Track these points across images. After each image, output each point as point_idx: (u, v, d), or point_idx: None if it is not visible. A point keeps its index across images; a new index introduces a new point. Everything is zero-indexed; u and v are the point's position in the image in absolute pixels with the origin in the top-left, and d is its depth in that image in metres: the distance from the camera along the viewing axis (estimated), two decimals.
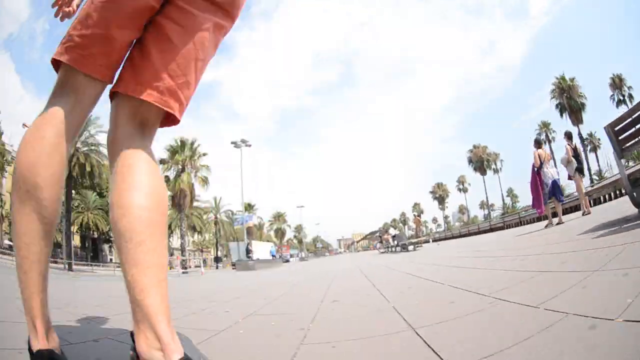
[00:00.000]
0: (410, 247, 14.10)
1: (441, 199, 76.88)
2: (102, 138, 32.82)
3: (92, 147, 30.59)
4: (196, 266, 58.88)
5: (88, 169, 29.34)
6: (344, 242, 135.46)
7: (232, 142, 30.86)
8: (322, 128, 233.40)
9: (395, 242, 15.92)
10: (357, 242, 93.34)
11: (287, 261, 38.55)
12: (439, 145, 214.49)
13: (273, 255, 36.78)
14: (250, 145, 31.63)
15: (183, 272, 21.31)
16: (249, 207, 59.89)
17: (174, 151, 33.20)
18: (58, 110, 0.98)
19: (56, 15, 1.15)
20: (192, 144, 33.80)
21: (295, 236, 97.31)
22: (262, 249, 34.19)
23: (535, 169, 7.80)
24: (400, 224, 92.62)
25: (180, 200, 32.14)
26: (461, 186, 72.31)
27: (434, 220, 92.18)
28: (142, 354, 0.85)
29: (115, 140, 1.03)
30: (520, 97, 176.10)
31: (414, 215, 63.00)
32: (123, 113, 1.04)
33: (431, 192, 77.84)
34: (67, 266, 27.45)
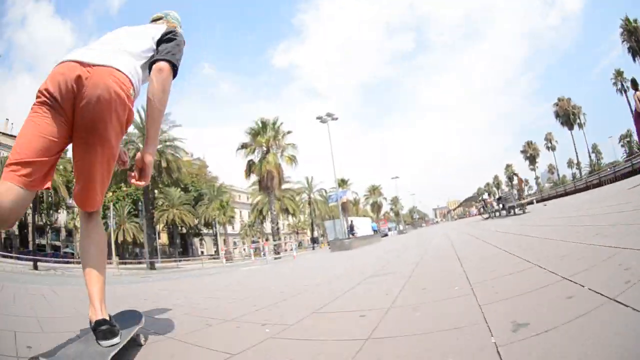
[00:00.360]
0: (518, 210, 13.26)
1: (532, 158, 72.08)
2: (175, 132, 33.61)
3: (167, 143, 31.16)
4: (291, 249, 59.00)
5: (164, 164, 29.73)
6: (440, 211, 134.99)
7: (318, 117, 28.96)
8: (405, 96, 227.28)
9: (501, 205, 15.31)
10: (454, 209, 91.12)
11: (386, 235, 36.52)
12: (521, 103, 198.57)
13: (375, 230, 35.23)
14: (337, 119, 29.36)
15: (275, 258, 20.88)
16: (342, 183, 58.08)
17: (255, 133, 32.24)
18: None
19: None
20: (274, 123, 32.49)
21: (391, 209, 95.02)
22: (362, 225, 33.08)
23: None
24: (494, 188, 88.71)
25: (267, 182, 31.22)
26: (549, 144, 68.20)
27: (526, 181, 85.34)
28: (90, 318, 1.53)
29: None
30: (591, 46, 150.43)
31: (514, 174, 57.35)
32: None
33: (522, 152, 72.33)
34: (149, 265, 28.83)
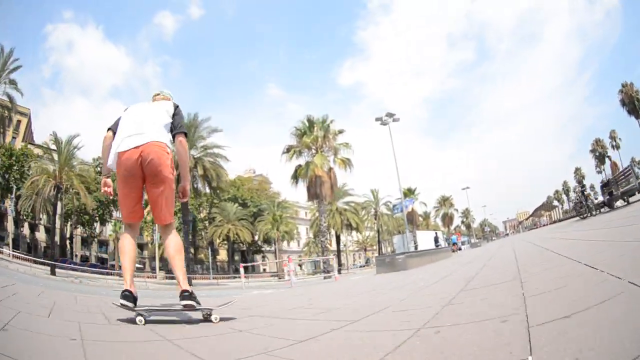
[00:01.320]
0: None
1: (601, 158, 67.15)
2: (216, 138, 30.65)
3: (207, 151, 28.65)
4: (361, 266, 53.90)
5: (200, 172, 26.92)
6: (509, 224, 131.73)
7: (377, 119, 25.05)
8: (470, 108, 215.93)
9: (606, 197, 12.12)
10: (525, 219, 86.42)
11: (459, 249, 32.24)
12: (580, 106, 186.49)
13: (437, 243, 30.42)
14: (398, 120, 25.15)
15: (325, 277, 20.00)
16: (408, 192, 51.55)
17: (302, 133, 27.97)
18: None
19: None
20: (324, 121, 27.92)
21: (462, 221, 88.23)
22: (425, 238, 30.23)
23: None
24: (563, 195, 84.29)
25: (316, 189, 26.64)
26: (613, 142, 64.75)
27: (592, 187, 74.54)
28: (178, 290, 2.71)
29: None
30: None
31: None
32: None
33: (591, 151, 67.44)
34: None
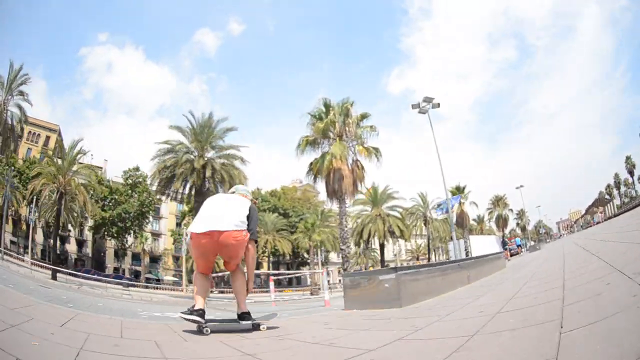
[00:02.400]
0: None
1: (631, 172, 64.12)
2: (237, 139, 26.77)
3: (222, 152, 25.52)
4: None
5: (209, 174, 23.78)
6: (562, 224, 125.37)
7: (414, 106, 21.09)
8: (518, 108, 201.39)
9: None
10: (581, 218, 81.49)
11: (515, 253, 28.74)
12: (621, 97, 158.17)
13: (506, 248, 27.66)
14: (438, 105, 21.19)
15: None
16: (457, 191, 44.19)
17: (318, 119, 23.41)
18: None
19: None
20: (344, 104, 23.13)
21: (517, 224, 78.25)
22: (485, 244, 25.90)
23: None
24: (615, 190, 71.93)
25: (335, 184, 21.71)
26: None
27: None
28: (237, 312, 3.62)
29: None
30: None
31: None
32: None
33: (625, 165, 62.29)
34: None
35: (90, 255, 43.57)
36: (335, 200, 22.45)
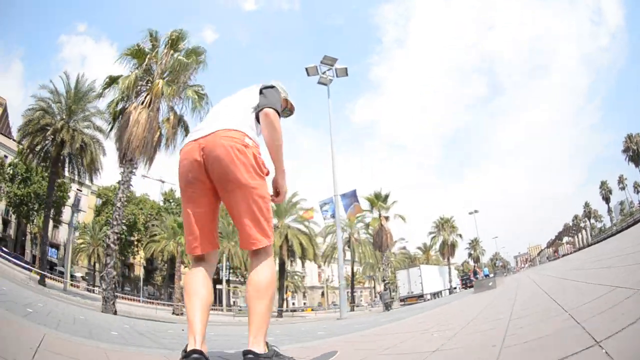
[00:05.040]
0: None
1: (607, 199, 63.56)
2: None
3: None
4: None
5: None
6: (521, 258, 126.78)
7: (310, 71, 17.94)
8: (483, 144, 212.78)
9: None
10: (549, 247, 78.15)
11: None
12: (589, 135, 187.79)
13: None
14: (346, 73, 18.28)
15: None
16: (376, 200, 32.42)
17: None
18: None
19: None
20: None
21: (470, 254, 68.98)
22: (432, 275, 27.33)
23: None
24: (586, 219, 68.56)
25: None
26: (621, 185, 61.49)
27: (609, 210, 67.90)
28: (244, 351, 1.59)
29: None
30: None
31: None
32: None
33: (623, 151, 56.87)
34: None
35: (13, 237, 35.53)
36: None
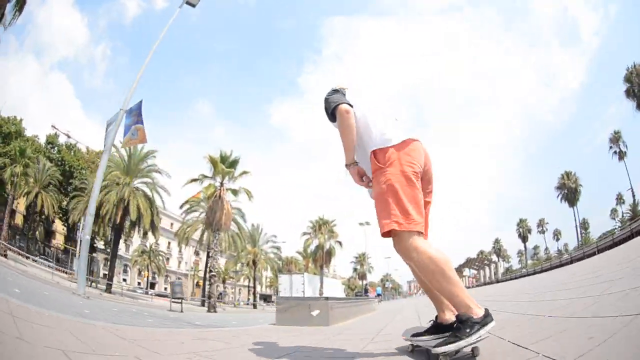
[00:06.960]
0: None
1: (524, 237, 64.64)
2: None
3: None
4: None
5: None
6: (415, 285, 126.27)
7: None
8: None
9: None
10: None
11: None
12: (517, 182, 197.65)
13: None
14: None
15: None
16: (222, 163, 23.97)
17: None
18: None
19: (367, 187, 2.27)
20: None
21: (355, 269, 65.94)
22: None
23: None
24: (477, 264, 63.94)
25: None
26: (541, 228, 65.37)
27: (519, 253, 73.26)
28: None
29: None
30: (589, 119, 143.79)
31: None
32: None
33: (557, 188, 55.92)
34: None
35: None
36: None
